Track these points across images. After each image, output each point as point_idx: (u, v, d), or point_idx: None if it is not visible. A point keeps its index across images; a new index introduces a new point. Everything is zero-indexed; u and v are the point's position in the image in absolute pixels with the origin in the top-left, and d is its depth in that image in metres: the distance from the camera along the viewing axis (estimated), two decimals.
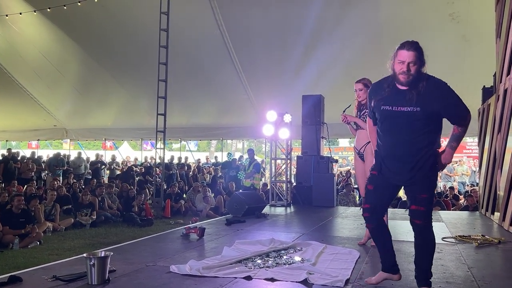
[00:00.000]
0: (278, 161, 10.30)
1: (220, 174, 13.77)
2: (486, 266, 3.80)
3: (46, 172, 13.55)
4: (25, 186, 10.52)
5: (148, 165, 15.28)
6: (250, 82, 12.85)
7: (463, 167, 15.61)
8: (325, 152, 9.91)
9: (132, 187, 10.55)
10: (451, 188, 12.14)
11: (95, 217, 8.60)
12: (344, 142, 23.83)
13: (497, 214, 6.41)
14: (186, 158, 16.72)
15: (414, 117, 2.69)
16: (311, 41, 11.03)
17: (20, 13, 12.22)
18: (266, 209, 7.68)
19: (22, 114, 16.42)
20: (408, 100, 2.68)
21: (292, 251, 4.14)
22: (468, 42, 10.15)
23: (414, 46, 2.77)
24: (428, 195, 2.78)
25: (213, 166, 15.75)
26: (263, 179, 12.35)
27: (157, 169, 11.88)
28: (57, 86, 15.12)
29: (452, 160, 2.96)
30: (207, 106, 14.45)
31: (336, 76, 11.16)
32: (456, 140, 2.82)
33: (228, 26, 11.36)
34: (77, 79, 14.82)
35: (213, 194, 11.27)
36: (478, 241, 4.74)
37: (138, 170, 16.15)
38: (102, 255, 3.13)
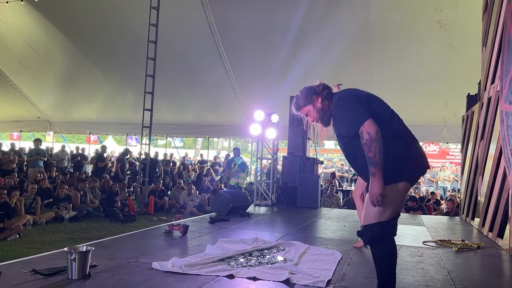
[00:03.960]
0: (264, 161, 10.31)
1: (205, 172, 13.71)
2: (465, 271, 3.87)
3: (26, 163, 13.23)
4: (5, 178, 10.31)
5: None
6: (238, 81, 12.83)
7: (445, 173, 15.84)
8: (310, 153, 9.96)
9: (115, 183, 10.43)
10: (433, 193, 12.34)
11: (75, 212, 8.47)
12: (329, 144, 23.92)
13: (477, 219, 6.53)
14: (171, 155, 16.62)
15: (339, 140, 2.69)
16: (299, 42, 11.07)
17: (7, 2, 11.99)
18: (251, 209, 7.68)
19: (5, 105, 16.12)
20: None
21: (275, 251, 4.16)
22: (455, 50, 10.30)
23: (294, 106, 2.77)
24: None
25: (198, 164, 15.69)
26: (248, 178, 12.36)
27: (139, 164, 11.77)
28: (42, 77, 14.89)
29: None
30: (195, 103, 14.39)
31: (323, 77, 11.17)
32: (368, 163, 2.43)
33: (218, 24, 11.32)
34: (63, 71, 14.61)
35: (197, 192, 11.25)
36: (458, 246, 4.82)
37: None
38: (84, 249, 3.10)
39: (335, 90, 2.81)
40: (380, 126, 2.44)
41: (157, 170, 12.20)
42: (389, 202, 2.47)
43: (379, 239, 2.51)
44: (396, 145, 2.50)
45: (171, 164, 14.70)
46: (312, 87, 2.74)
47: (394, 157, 2.47)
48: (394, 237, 2.61)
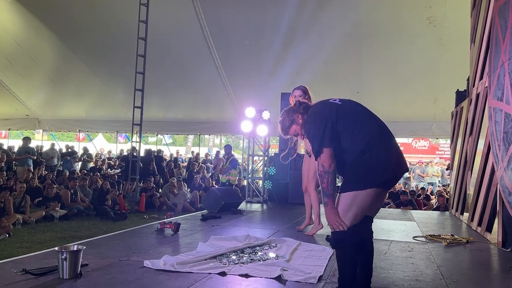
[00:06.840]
0: (255, 158, 10.32)
1: (196, 169, 13.68)
2: (454, 265, 3.92)
3: (15, 162, 13.08)
4: None
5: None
6: (229, 78, 12.79)
7: (433, 168, 15.99)
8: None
9: (106, 181, 10.36)
10: (423, 188, 12.46)
11: (65, 210, 8.40)
12: None
13: (466, 214, 6.61)
14: (161, 152, 16.53)
15: None
16: (290, 39, 11.06)
17: None
18: (242, 206, 7.69)
19: None
20: None
21: (267, 248, 4.17)
22: (444, 46, 10.38)
23: (281, 131, 2.88)
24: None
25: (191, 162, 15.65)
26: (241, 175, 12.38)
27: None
28: (31, 74, 14.68)
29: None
30: (185, 100, 14.33)
31: (314, 75, 11.26)
32: (322, 193, 2.56)
33: (209, 20, 11.27)
34: (52, 69, 14.43)
35: (189, 189, 11.24)
36: (448, 241, 4.88)
37: (113, 163, 15.89)
38: (75, 249, 3.08)
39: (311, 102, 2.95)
40: (344, 142, 2.55)
41: (151, 168, 12.05)
42: (352, 206, 2.53)
43: (343, 244, 2.57)
44: (358, 158, 2.54)
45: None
46: (289, 108, 2.86)
47: (356, 169, 2.54)
48: (371, 238, 2.70)
